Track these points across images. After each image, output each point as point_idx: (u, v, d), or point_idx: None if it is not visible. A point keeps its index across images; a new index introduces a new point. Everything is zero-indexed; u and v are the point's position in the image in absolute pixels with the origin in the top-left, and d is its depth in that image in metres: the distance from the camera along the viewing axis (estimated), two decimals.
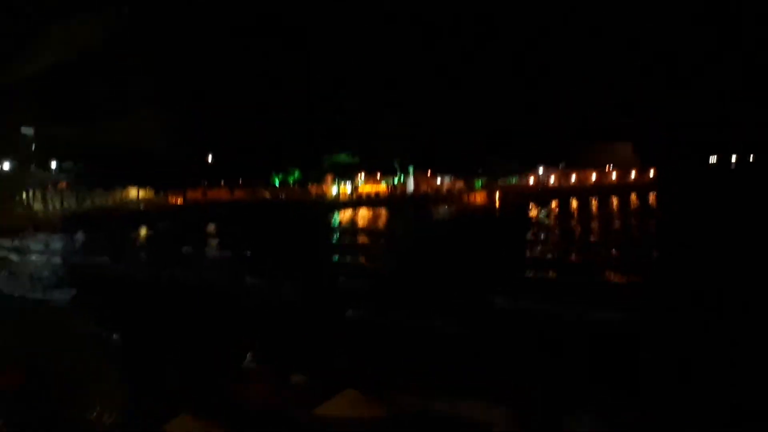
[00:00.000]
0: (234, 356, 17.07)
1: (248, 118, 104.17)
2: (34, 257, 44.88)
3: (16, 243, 45.20)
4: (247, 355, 16.98)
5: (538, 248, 51.66)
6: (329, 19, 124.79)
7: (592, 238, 57.57)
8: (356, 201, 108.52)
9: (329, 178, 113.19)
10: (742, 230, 55.14)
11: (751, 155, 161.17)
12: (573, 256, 45.73)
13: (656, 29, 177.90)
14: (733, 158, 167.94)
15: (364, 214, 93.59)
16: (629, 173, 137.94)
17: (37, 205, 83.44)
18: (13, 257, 44.11)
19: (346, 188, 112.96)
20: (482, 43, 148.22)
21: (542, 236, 60.11)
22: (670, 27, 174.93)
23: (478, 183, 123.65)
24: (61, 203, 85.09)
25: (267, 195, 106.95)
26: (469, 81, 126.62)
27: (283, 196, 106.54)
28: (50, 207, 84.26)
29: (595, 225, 71.38)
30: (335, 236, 67.13)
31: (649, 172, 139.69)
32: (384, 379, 15.95)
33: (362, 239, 62.04)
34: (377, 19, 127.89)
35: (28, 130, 62.49)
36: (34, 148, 73.10)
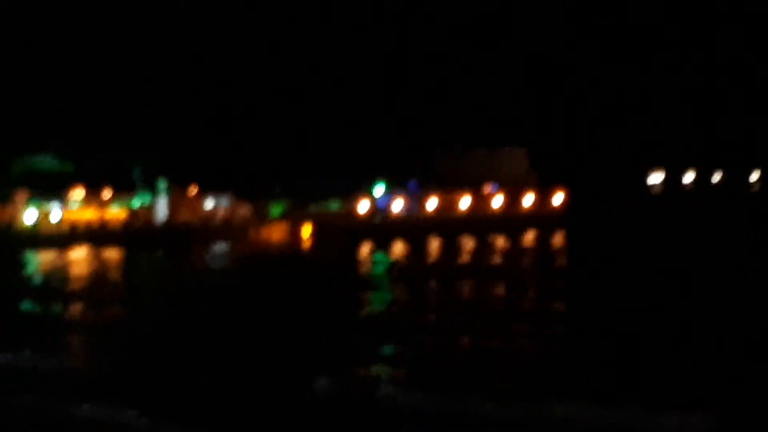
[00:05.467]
0: None
1: None
2: None
3: None
4: None
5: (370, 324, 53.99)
6: None
7: (458, 310, 59.78)
8: (67, 235, 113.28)
9: (21, 196, 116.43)
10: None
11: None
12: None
13: None
14: (690, 176, 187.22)
15: (79, 259, 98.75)
16: (522, 196, 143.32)
17: None
18: None
19: (51, 213, 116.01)
20: None
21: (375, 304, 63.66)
22: None
23: (276, 209, 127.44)
24: None
25: None
26: (258, 37, 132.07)
27: None
28: None
29: (465, 286, 73.97)
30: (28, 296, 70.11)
31: (553, 195, 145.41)
32: None
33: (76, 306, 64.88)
34: None
35: None
36: None
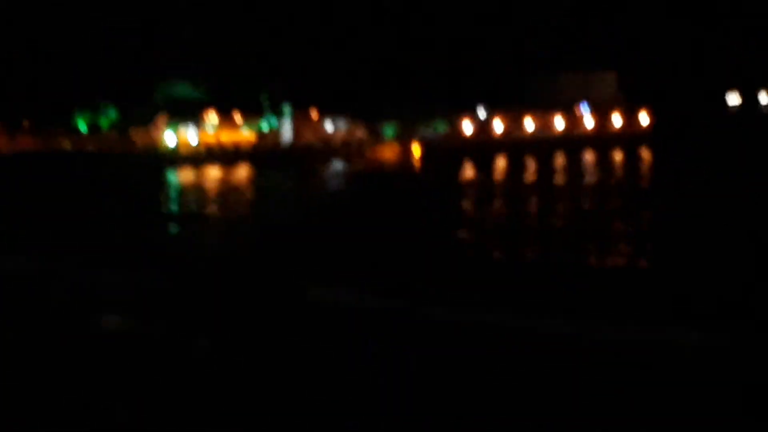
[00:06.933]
0: None
1: (35, 30, 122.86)
2: None
3: None
4: None
5: (472, 233, 59.57)
6: None
7: (553, 220, 65.88)
8: (204, 155, 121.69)
9: (162, 120, 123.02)
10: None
11: None
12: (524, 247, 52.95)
13: None
14: (765, 98, 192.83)
15: (214, 176, 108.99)
16: (611, 117, 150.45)
17: None
18: None
19: (189, 135, 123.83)
20: None
21: (479, 214, 70.26)
22: None
23: (389, 131, 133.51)
24: None
25: (67, 144, 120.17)
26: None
27: (93, 147, 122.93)
28: None
29: (560, 200, 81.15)
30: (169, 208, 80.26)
31: (639, 116, 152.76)
32: None
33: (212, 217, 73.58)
34: None
35: None
36: None
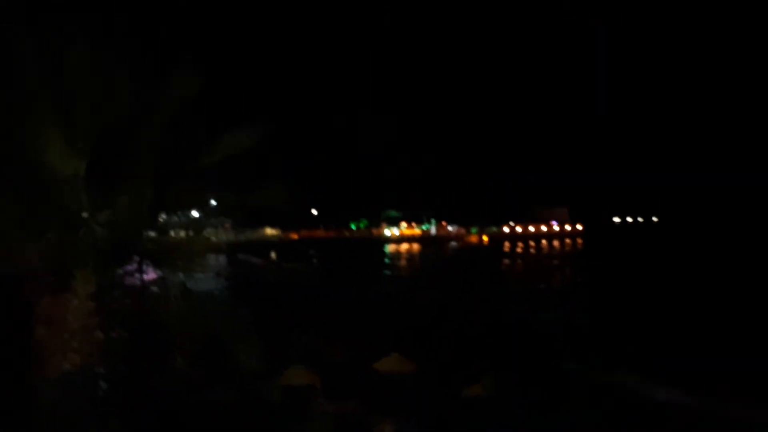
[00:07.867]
0: None
1: (339, 193, 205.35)
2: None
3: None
4: None
5: (507, 268, 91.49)
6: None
7: (542, 265, 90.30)
8: (400, 238, 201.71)
9: (384, 225, 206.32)
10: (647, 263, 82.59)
11: (638, 217, 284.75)
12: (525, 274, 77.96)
13: None
14: (629, 219, 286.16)
15: (405, 247, 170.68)
16: (565, 225, 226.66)
17: (214, 237, 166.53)
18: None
19: (394, 231, 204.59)
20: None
21: (510, 261, 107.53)
22: None
23: (474, 230, 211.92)
24: (227, 236, 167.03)
25: (345, 234, 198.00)
26: (467, 181, 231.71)
27: (357, 235, 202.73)
28: (222, 238, 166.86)
29: (542, 257, 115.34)
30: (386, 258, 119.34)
31: (577, 225, 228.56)
32: None
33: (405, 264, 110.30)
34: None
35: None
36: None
